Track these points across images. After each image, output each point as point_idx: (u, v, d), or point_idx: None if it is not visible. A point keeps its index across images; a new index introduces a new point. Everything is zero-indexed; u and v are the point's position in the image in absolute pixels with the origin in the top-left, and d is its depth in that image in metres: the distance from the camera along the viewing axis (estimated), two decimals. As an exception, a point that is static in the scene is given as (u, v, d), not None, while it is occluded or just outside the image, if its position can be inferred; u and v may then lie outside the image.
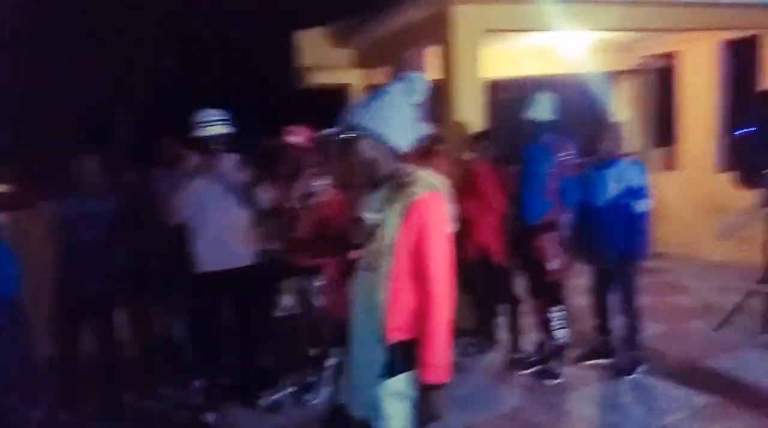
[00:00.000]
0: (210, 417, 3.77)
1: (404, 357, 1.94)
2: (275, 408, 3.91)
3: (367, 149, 2.02)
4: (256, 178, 3.98)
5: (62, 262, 3.98)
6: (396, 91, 2.04)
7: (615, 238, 3.94)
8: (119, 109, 8.98)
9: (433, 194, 1.98)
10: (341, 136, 2.08)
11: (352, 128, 2.03)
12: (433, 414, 1.94)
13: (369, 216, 2.05)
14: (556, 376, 4.02)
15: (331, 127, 5.49)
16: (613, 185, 3.93)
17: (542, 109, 3.99)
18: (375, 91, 2.10)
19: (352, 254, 2.12)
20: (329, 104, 8.27)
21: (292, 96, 8.41)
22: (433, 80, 6.44)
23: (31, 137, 9.69)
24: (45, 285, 4.01)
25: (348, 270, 2.14)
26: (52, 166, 5.00)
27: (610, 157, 3.98)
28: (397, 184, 2.00)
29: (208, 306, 3.83)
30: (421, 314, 1.92)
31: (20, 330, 3.86)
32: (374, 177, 2.07)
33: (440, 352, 1.91)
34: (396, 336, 1.93)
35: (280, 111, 6.07)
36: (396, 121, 2.02)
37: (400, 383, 1.94)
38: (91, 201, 3.92)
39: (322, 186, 3.97)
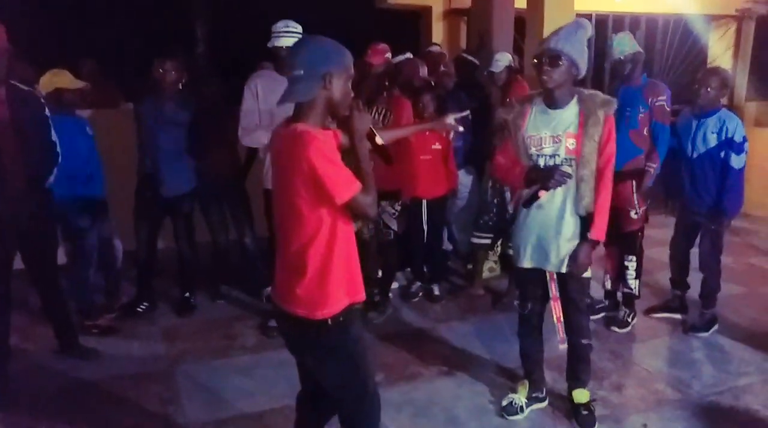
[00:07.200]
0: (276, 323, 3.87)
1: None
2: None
3: (563, 72, 2.48)
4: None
5: (143, 163, 4.07)
6: (584, 25, 2.53)
7: (707, 192, 3.74)
8: (199, 18, 8.88)
9: None
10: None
11: (551, 52, 2.46)
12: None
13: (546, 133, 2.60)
14: (625, 325, 3.94)
15: (409, 50, 5.22)
16: (710, 136, 3.69)
17: (624, 47, 3.72)
18: (573, 22, 2.55)
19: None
20: (407, 27, 8.04)
21: (368, 16, 8.14)
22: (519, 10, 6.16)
23: (116, 38, 9.75)
24: (124, 182, 4.14)
25: None
26: (137, 67, 5.04)
27: (711, 105, 3.71)
28: (595, 103, 2.54)
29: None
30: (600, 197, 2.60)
31: (103, 228, 4.03)
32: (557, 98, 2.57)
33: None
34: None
35: (355, 32, 5.86)
36: (583, 51, 2.52)
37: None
38: (172, 106, 3.94)
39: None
